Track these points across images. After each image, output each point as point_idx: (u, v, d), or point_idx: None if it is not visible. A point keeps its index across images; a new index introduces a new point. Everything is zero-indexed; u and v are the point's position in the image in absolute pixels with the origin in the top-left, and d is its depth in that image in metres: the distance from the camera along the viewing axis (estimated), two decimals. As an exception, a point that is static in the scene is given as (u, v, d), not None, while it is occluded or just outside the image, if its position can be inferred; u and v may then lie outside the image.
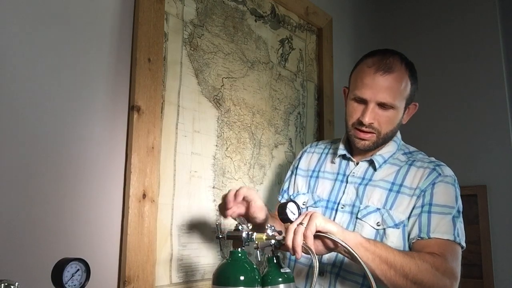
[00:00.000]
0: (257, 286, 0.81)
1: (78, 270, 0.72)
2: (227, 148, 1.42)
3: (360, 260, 0.83)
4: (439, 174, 1.07)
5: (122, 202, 1.11)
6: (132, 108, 1.13)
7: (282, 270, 0.88)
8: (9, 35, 0.94)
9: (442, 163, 1.11)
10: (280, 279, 0.86)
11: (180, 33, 1.30)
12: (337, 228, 0.87)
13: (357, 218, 1.08)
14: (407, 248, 1.04)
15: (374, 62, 1.08)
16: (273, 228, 0.91)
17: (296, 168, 1.29)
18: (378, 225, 1.05)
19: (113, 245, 1.08)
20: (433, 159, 1.14)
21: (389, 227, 1.04)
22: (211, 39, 1.40)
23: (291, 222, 0.89)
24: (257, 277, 0.82)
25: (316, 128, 1.86)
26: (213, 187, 1.35)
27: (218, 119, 1.40)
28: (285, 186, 1.31)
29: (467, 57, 2.19)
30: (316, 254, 0.85)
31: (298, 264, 1.16)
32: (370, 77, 1.07)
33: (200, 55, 1.36)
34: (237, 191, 1.02)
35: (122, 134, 1.13)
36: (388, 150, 1.15)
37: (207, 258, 1.30)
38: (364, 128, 1.09)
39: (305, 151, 1.32)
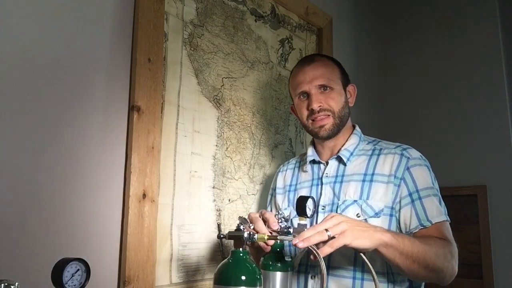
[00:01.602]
0: (259, 285, 0.82)
1: (78, 270, 0.72)
2: (227, 148, 1.42)
3: (372, 270, 0.85)
4: (408, 158, 1.11)
5: (122, 202, 1.11)
6: (132, 108, 1.13)
7: (286, 258, 0.89)
8: (9, 35, 0.94)
9: (407, 146, 1.16)
10: (279, 266, 0.88)
11: (180, 33, 1.30)
12: (364, 242, 0.86)
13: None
14: None
15: (299, 63, 1.25)
16: (281, 216, 0.91)
17: (274, 189, 1.33)
18: (358, 216, 1.08)
19: (113, 245, 1.08)
20: (397, 143, 1.18)
21: (370, 217, 1.07)
22: (211, 39, 1.40)
23: (307, 216, 0.90)
24: (258, 276, 0.82)
25: (316, 128, 1.86)
26: (213, 187, 1.35)
27: (218, 119, 1.40)
28: (268, 210, 1.34)
29: (468, 57, 2.19)
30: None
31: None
32: (301, 73, 1.20)
33: (200, 55, 1.36)
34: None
35: (122, 134, 1.13)
36: (351, 143, 1.20)
37: (207, 258, 1.30)
38: (317, 115, 1.15)
39: (279, 171, 1.36)
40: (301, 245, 0.82)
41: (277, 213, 0.93)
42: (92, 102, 1.08)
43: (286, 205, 1.26)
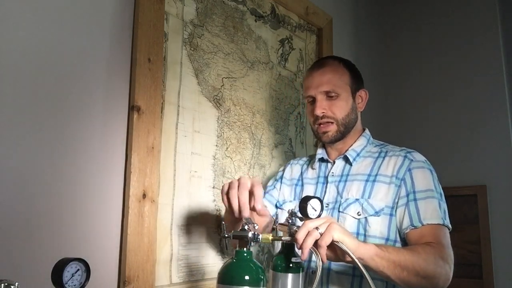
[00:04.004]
0: (262, 285, 0.82)
1: (78, 270, 0.72)
2: (227, 148, 1.42)
3: (367, 276, 0.83)
4: (412, 160, 1.13)
5: (122, 202, 1.11)
6: (132, 108, 1.13)
7: (293, 259, 0.88)
8: (9, 35, 0.94)
9: (412, 150, 1.17)
10: (290, 268, 0.87)
11: (180, 33, 1.30)
12: (352, 241, 0.87)
13: (339, 211, 1.13)
14: (392, 236, 1.09)
15: (311, 66, 1.26)
16: (293, 223, 0.91)
17: (281, 177, 1.34)
18: (359, 215, 1.10)
19: (113, 245, 1.08)
20: (403, 147, 1.19)
21: (371, 215, 1.09)
22: (211, 39, 1.40)
23: (309, 218, 0.89)
24: (261, 276, 0.82)
25: (316, 128, 1.86)
26: (213, 187, 1.35)
27: (218, 119, 1.40)
28: (270, 188, 1.34)
29: (467, 57, 2.19)
30: (326, 260, 0.86)
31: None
32: (310, 77, 1.21)
33: (200, 55, 1.36)
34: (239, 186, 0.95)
35: (122, 134, 1.13)
36: (359, 144, 1.22)
37: (207, 258, 1.30)
38: (321, 121, 1.18)
39: (289, 163, 1.38)
40: (304, 257, 0.84)
41: (289, 213, 0.92)
42: (92, 102, 1.08)
43: (292, 197, 1.27)
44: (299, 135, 1.75)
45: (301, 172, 1.31)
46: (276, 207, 1.29)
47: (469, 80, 2.17)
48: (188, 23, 1.33)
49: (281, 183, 1.33)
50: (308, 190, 1.23)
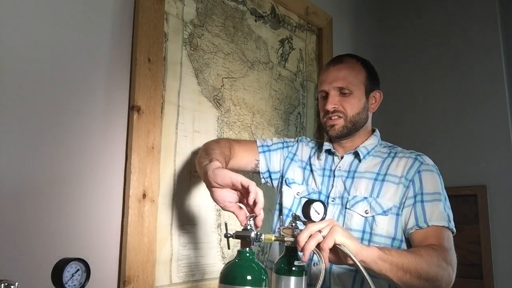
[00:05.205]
0: (264, 286, 0.82)
1: (78, 270, 0.72)
2: (227, 148, 1.41)
3: (368, 279, 0.83)
4: (421, 163, 1.14)
5: (122, 202, 1.11)
6: (132, 108, 1.13)
7: (296, 263, 0.88)
8: (9, 35, 0.94)
9: (422, 153, 1.18)
10: (292, 271, 0.87)
11: (180, 33, 1.30)
12: (355, 244, 0.87)
13: (345, 208, 1.13)
14: (398, 235, 1.10)
15: (329, 62, 1.26)
16: (296, 227, 0.90)
17: (294, 154, 1.31)
18: (367, 213, 1.10)
19: (113, 245, 1.08)
20: (412, 150, 1.20)
21: (378, 214, 1.10)
22: (211, 39, 1.40)
23: (313, 221, 0.89)
24: (264, 277, 0.82)
25: (316, 128, 1.86)
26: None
27: (218, 119, 1.40)
28: (273, 148, 1.30)
29: (468, 57, 2.19)
30: (328, 262, 0.86)
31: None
32: (326, 72, 1.22)
33: (200, 55, 1.36)
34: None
35: (122, 134, 1.13)
36: (370, 142, 1.22)
37: (207, 258, 1.30)
38: (331, 115, 1.18)
39: (301, 141, 1.34)
40: (305, 259, 0.84)
41: (292, 220, 0.92)
42: (92, 102, 1.08)
43: (300, 181, 1.25)
44: (299, 135, 1.75)
45: (309, 156, 1.29)
46: (284, 181, 1.26)
47: (469, 80, 2.17)
48: (188, 23, 1.33)
49: (291, 159, 1.29)
50: (316, 179, 1.22)
